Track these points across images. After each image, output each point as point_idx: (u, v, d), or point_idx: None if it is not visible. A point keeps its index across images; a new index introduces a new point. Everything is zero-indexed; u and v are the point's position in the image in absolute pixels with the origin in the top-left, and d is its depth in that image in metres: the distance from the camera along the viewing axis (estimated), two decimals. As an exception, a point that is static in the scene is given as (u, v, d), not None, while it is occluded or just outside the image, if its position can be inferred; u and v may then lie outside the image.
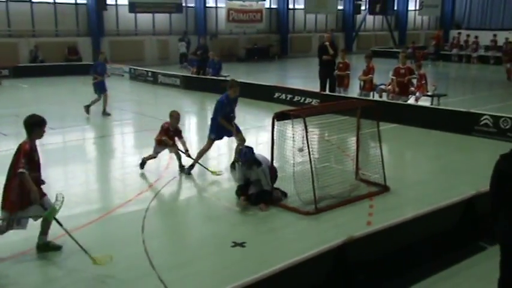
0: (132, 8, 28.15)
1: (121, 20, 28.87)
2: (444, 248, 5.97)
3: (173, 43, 29.83)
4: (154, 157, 9.32)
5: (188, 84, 20.42)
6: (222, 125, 9.11)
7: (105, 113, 14.55)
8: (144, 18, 29.52)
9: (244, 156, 7.46)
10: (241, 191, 7.57)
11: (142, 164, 9.31)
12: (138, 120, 14.26)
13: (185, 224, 7.37)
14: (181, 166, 9.26)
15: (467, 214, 6.32)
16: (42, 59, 25.81)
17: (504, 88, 21.08)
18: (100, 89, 14.68)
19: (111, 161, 10.75)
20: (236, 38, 33.28)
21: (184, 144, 9.19)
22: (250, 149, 7.60)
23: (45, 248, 6.13)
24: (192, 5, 31.22)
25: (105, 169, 10.20)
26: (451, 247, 6.03)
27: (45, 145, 11.72)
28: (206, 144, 9.36)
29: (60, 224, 5.88)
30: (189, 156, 9.19)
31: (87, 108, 14.40)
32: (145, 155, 9.37)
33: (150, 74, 22.77)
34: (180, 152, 9.24)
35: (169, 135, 9.11)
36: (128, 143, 12.41)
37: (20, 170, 5.63)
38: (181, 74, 21.80)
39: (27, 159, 5.71)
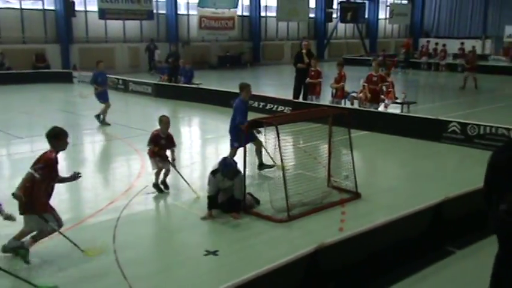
0: (102, 14, 27.79)
1: (90, 27, 28.52)
2: (413, 254, 6.07)
3: (144, 50, 29.67)
4: (160, 170, 8.63)
5: (160, 92, 20.31)
6: (243, 130, 8.59)
7: (104, 122, 14.38)
8: (115, 25, 29.26)
9: (230, 167, 7.42)
10: (212, 202, 7.52)
11: (158, 188, 8.55)
12: (109, 129, 14.10)
13: (157, 234, 7.31)
14: (164, 182, 8.70)
15: (436, 220, 6.45)
16: (8, 66, 25.30)
17: (471, 96, 21.59)
18: (103, 98, 14.55)
19: (81, 170, 10.54)
20: (208, 46, 33.28)
21: (173, 152, 8.75)
22: (231, 159, 7.59)
23: (13, 252, 6.04)
24: (164, 11, 31.09)
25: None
26: (420, 252, 6.13)
27: (12, 155, 11.53)
28: (230, 154, 9.09)
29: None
30: (174, 166, 8.73)
31: (101, 119, 14.40)
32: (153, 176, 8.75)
33: (121, 81, 22.56)
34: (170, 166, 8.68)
35: (160, 144, 8.55)
36: (99, 152, 12.26)
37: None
38: (153, 81, 21.67)
39: (47, 168, 5.78)
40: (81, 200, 8.75)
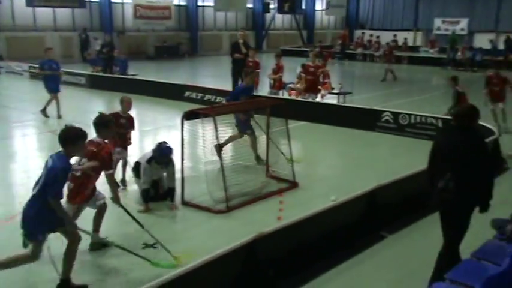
0: (30, 1, 26.49)
1: (18, 15, 27.12)
2: (349, 239, 6.26)
3: (77, 40, 28.69)
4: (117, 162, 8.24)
5: (94, 83, 19.73)
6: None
7: (44, 112, 13.85)
8: (44, 13, 27.98)
9: (167, 151, 7.37)
10: (148, 194, 7.45)
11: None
12: (40, 122, 13.56)
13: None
14: (124, 180, 8.39)
15: (370, 206, 6.68)
16: None
17: (404, 86, 22.39)
18: (51, 87, 13.83)
19: (12, 165, 10.15)
20: (145, 35, 32.62)
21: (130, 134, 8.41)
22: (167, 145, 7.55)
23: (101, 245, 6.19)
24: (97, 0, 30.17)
25: (5, 174, 9.60)
26: (355, 238, 6.34)
27: None
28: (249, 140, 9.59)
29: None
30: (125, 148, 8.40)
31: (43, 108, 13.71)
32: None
33: (53, 72, 21.70)
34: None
35: (120, 123, 8.00)
36: (30, 146, 11.78)
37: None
38: (87, 72, 21.02)
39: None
40: (11, 196, 8.40)
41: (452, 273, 4.51)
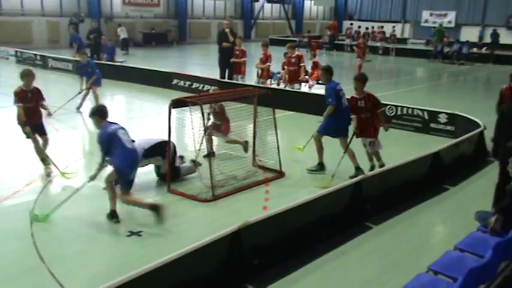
0: (17, -14, 26.24)
1: (4, -1, 26.84)
2: (334, 229, 6.30)
3: (64, 25, 28.31)
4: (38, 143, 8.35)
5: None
6: None
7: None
8: (32, -2, 27.67)
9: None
10: None
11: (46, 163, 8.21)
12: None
13: (78, 215, 7.04)
14: (45, 159, 8.34)
15: (355, 196, 6.72)
16: None
17: (391, 78, 22.47)
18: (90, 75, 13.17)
19: (-4, 150, 10.04)
20: (133, 22, 32.31)
21: (45, 107, 8.52)
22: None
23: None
24: (85, -15, 29.83)
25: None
26: (340, 228, 6.38)
27: None
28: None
29: None
30: (49, 114, 8.63)
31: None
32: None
33: (39, 57, 21.46)
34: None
35: (28, 98, 8.12)
36: (15, 132, 11.62)
37: None
38: (74, 58, 20.76)
39: None
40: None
41: (435, 265, 4.57)
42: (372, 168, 8.31)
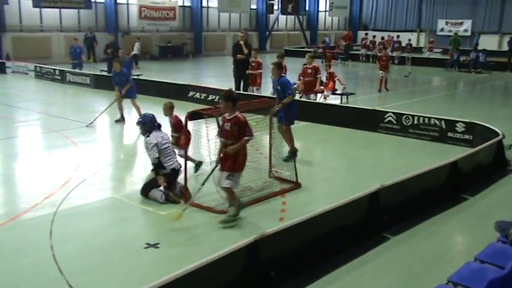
0: (37, 2, 26.55)
1: (24, 15, 27.27)
2: (351, 240, 6.26)
3: (82, 40, 28.71)
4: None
5: (99, 83, 19.73)
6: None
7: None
8: (50, 14, 28.10)
9: (144, 118, 7.87)
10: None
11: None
12: (45, 121, 13.61)
13: (96, 227, 7.13)
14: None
15: (373, 207, 6.67)
16: None
17: (406, 87, 22.37)
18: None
19: (16, 164, 10.19)
20: (149, 36, 32.66)
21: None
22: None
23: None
24: (102, 0, 30.20)
25: (9, 173, 9.63)
26: (357, 239, 6.33)
27: None
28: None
29: None
30: None
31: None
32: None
33: (57, 72, 21.78)
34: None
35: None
36: (35, 145, 11.81)
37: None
38: (92, 72, 21.07)
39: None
40: (15, 195, 8.42)
41: (455, 277, 4.51)
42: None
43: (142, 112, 10.51)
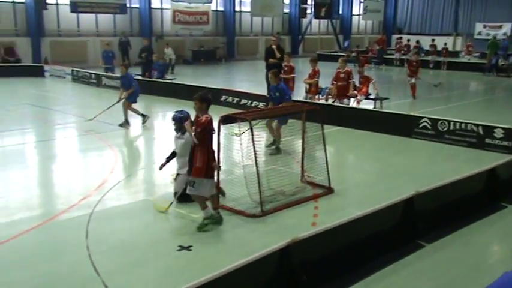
0: (74, 7, 27.33)
1: (62, 20, 28.05)
2: (385, 247, 6.17)
3: (117, 44, 29.28)
4: None
5: (133, 87, 20.04)
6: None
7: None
8: (87, 19, 28.81)
9: (175, 115, 7.88)
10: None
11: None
12: (81, 124, 13.91)
13: (130, 229, 7.24)
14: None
15: (407, 213, 6.57)
16: (-24, 60, 24.68)
17: (442, 92, 21.96)
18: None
19: (53, 166, 10.44)
20: (182, 40, 33.05)
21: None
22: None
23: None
24: (137, 5, 30.75)
25: (48, 174, 9.89)
26: (391, 246, 6.24)
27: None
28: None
29: None
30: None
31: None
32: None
33: (93, 76, 22.24)
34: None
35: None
36: (71, 147, 12.09)
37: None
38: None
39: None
40: (53, 196, 8.63)
41: (493, 287, 4.38)
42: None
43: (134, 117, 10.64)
